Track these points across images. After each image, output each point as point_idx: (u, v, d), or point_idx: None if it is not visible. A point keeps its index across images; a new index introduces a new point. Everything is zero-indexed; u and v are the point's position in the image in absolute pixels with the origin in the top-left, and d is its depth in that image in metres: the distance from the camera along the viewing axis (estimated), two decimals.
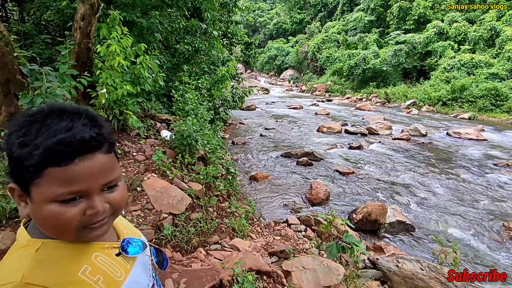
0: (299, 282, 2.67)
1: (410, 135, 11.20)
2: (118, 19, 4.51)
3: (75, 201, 0.56)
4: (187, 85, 6.54)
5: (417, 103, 19.92)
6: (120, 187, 0.64)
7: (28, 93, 3.48)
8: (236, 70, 11.59)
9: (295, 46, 38.79)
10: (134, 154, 4.35)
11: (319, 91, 28.25)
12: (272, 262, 3.33)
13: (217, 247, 3.40)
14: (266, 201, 5.66)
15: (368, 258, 3.83)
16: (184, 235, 3.20)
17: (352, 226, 3.63)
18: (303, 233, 4.57)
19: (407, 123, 14.09)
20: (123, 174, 3.69)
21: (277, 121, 13.30)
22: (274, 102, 19.76)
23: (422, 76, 23.77)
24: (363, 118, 14.94)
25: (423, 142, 10.45)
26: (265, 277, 2.67)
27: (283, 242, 4.06)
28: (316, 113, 15.81)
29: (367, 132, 11.55)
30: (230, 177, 5.11)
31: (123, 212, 3.16)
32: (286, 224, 4.78)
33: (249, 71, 40.15)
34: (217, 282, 2.27)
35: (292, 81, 35.52)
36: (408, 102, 20.14)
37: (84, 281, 0.58)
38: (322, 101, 22.32)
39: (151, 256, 0.80)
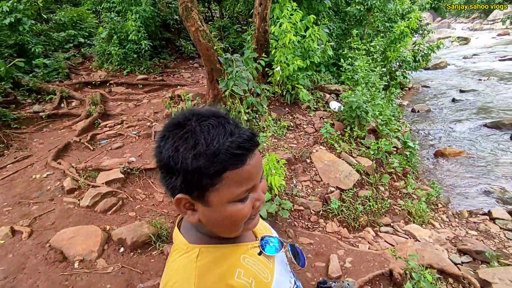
0: None
1: None
2: None
3: (247, 197, 0.60)
4: (356, 51, 6.04)
5: None
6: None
7: (224, 78, 4.31)
8: (420, 21, 9.55)
9: None
10: (305, 126, 4.58)
11: None
12: (462, 263, 2.69)
13: (388, 230, 3.11)
14: (457, 184, 4.56)
15: None
16: (351, 211, 3.12)
17: None
18: None
19: None
20: (294, 145, 3.99)
21: (480, 80, 10.11)
22: (476, 54, 14.99)
23: None
24: None
25: None
26: (450, 280, 2.19)
27: (481, 240, 3.18)
28: None
29: None
30: (408, 153, 4.45)
31: (294, 181, 3.45)
32: (487, 217, 3.70)
33: (439, 18, 32.19)
34: (386, 271, 2.07)
35: (508, 21, 25.51)
36: None
37: (241, 285, 0.60)
38: None
39: (290, 254, 0.79)
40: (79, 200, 2.83)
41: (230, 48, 4.86)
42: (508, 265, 2.54)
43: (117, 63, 7.11)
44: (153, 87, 6.61)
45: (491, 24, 27.47)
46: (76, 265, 2.11)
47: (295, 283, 0.76)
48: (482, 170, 4.84)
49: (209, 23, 9.73)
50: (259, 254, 0.69)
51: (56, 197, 2.91)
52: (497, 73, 10.58)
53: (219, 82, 4.38)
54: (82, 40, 8.34)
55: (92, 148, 3.92)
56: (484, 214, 3.80)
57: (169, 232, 2.40)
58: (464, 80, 10.45)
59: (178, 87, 6.66)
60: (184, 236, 0.66)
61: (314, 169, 3.62)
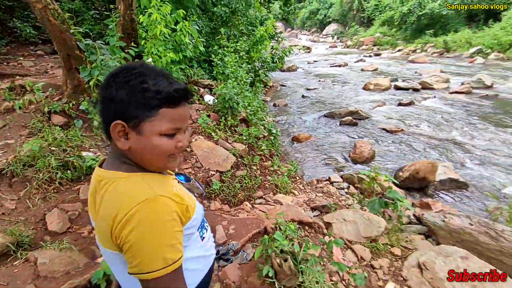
0: (339, 232, 2.80)
1: (472, 87, 10.02)
2: None
3: (173, 135, 0.75)
4: (225, 48, 6.55)
5: (484, 50, 17.38)
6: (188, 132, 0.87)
7: (86, 66, 3.85)
8: (275, 29, 11.16)
9: None
10: None
11: (366, 45, 26.04)
12: (314, 216, 3.49)
13: (261, 201, 3.65)
14: (308, 161, 5.74)
15: (414, 214, 3.78)
16: (230, 190, 3.48)
17: (397, 182, 3.57)
18: (346, 190, 4.62)
19: (469, 74, 12.54)
20: None
21: (319, 80, 12.81)
22: (316, 61, 18.84)
23: (490, 18, 20.35)
24: (416, 72, 13.64)
25: (487, 95, 9.32)
26: (306, 227, 2.84)
27: (325, 198, 4.17)
28: (362, 70, 14.81)
29: (420, 87, 10.60)
30: (272, 138, 5.24)
31: (176, 170, 3.51)
32: (328, 182, 4.86)
33: (289, 29, 38.20)
34: (262, 229, 2.49)
35: (335, 37, 33.14)
36: (472, 50, 17.65)
37: (180, 194, 0.78)
38: (370, 56, 20.64)
39: (196, 183, 1.14)
40: None
41: (91, 34, 4.34)
42: (341, 209, 3.49)
43: None
44: None
45: (325, 37, 34.83)
46: None
47: (203, 216, 0.97)
48: (324, 148, 6.26)
49: (56, 3, 8.16)
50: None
51: None
52: (330, 76, 13.64)
53: (80, 71, 3.87)
54: None
55: None
56: (326, 180, 4.96)
57: (32, 239, 2.04)
58: (309, 81, 12.95)
59: (17, 77, 5.39)
60: (115, 171, 0.77)
61: (194, 156, 3.79)
